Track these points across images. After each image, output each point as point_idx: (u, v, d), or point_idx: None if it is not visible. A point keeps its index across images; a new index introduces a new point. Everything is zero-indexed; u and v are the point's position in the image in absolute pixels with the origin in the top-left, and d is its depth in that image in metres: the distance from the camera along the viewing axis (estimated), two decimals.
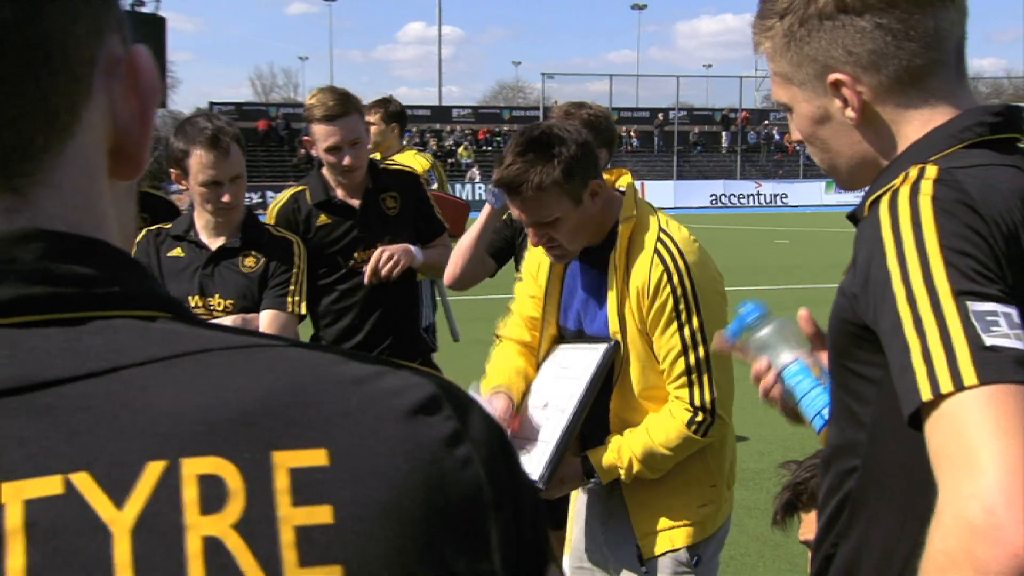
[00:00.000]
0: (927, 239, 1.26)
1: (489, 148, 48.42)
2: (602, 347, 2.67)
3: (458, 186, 36.43)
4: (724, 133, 53.22)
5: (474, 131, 51.40)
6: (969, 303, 1.21)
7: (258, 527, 0.55)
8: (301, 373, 0.62)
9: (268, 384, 0.60)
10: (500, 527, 0.63)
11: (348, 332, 3.89)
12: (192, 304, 3.33)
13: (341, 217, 3.86)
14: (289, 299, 3.40)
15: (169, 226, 3.53)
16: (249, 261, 3.43)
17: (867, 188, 1.52)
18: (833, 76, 1.47)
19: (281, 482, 0.57)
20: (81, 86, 0.63)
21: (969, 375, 1.15)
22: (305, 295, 3.49)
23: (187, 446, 0.56)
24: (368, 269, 3.75)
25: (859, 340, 1.39)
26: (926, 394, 1.17)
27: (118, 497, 0.54)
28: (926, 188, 1.30)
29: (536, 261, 2.95)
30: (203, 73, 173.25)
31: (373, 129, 5.95)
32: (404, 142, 6.39)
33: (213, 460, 0.56)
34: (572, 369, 2.75)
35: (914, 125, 1.47)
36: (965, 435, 1.14)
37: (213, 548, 0.54)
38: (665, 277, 2.57)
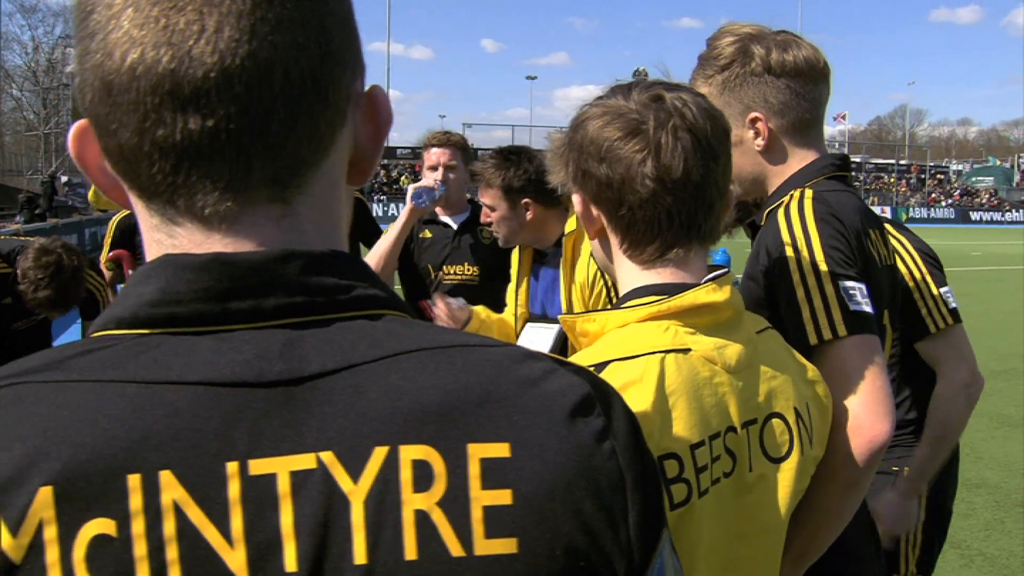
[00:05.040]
0: (812, 238, 1.66)
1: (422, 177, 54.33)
2: (557, 326, 3.06)
3: (401, 205, 39.36)
4: None
5: (412, 165, 58.01)
6: (841, 282, 1.60)
7: (456, 505, 0.62)
8: (490, 373, 0.67)
9: (465, 382, 0.65)
10: (635, 504, 0.68)
11: None
12: None
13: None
14: None
15: None
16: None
17: (761, 200, 1.92)
18: (752, 114, 1.84)
19: (474, 469, 0.63)
20: (339, 117, 0.69)
21: (841, 329, 1.57)
22: None
23: (404, 435, 0.62)
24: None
25: (760, 307, 1.69)
26: (813, 339, 1.59)
27: (354, 473, 0.61)
28: (807, 205, 1.71)
29: (515, 264, 3.39)
30: None
31: None
32: None
33: (423, 448, 0.62)
34: (536, 342, 3.05)
35: (797, 159, 1.86)
36: (841, 368, 1.56)
37: (423, 519, 0.61)
38: (599, 273, 2.90)
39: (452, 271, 3.96)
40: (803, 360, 1.50)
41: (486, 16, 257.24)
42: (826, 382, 1.52)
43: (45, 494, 0.57)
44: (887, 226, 2.81)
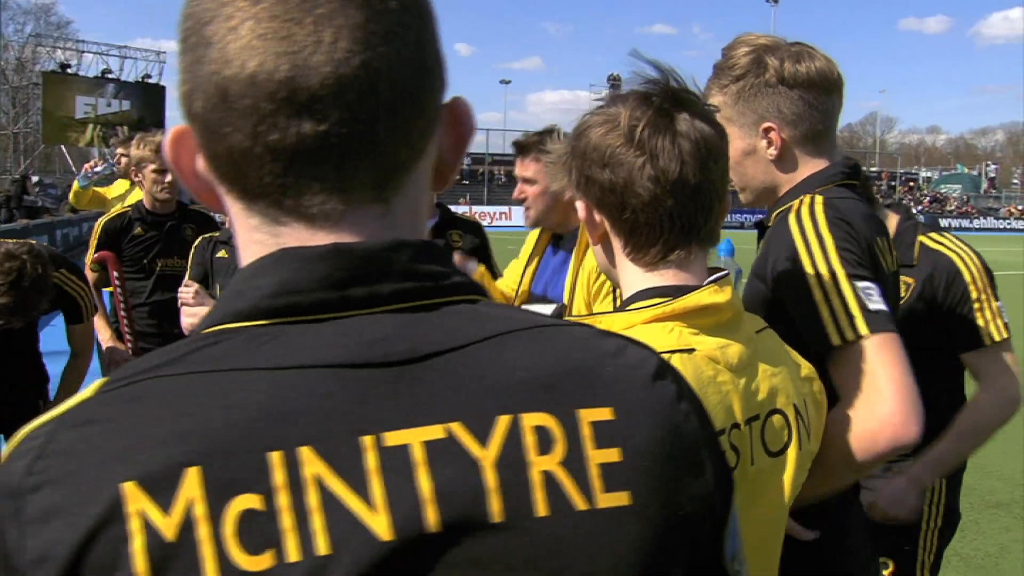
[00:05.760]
0: (825, 240, 1.70)
1: None
2: (553, 306, 3.04)
3: None
4: None
5: None
6: (856, 282, 1.63)
7: (575, 464, 0.67)
8: (581, 348, 0.74)
9: (564, 357, 0.72)
10: (710, 459, 0.75)
11: None
12: None
13: None
14: None
15: (218, 234, 4.10)
16: None
17: (770, 206, 1.95)
18: (765, 124, 1.87)
19: (586, 431, 0.68)
20: (431, 126, 0.74)
21: (863, 328, 1.58)
22: None
23: (523, 404, 0.68)
24: None
25: (763, 306, 1.76)
26: (836, 341, 1.60)
27: (482, 440, 0.66)
28: (818, 210, 1.75)
29: (529, 244, 3.45)
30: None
31: (123, 160, 6.23)
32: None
33: (541, 415, 0.68)
34: None
35: (808, 167, 1.89)
36: (867, 368, 1.56)
37: (549, 479, 0.66)
38: None
39: None
40: (799, 358, 1.53)
41: (460, 20, 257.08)
42: (851, 381, 1.56)
43: (192, 475, 0.61)
44: (947, 235, 2.85)
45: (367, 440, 0.64)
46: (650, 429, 0.72)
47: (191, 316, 3.84)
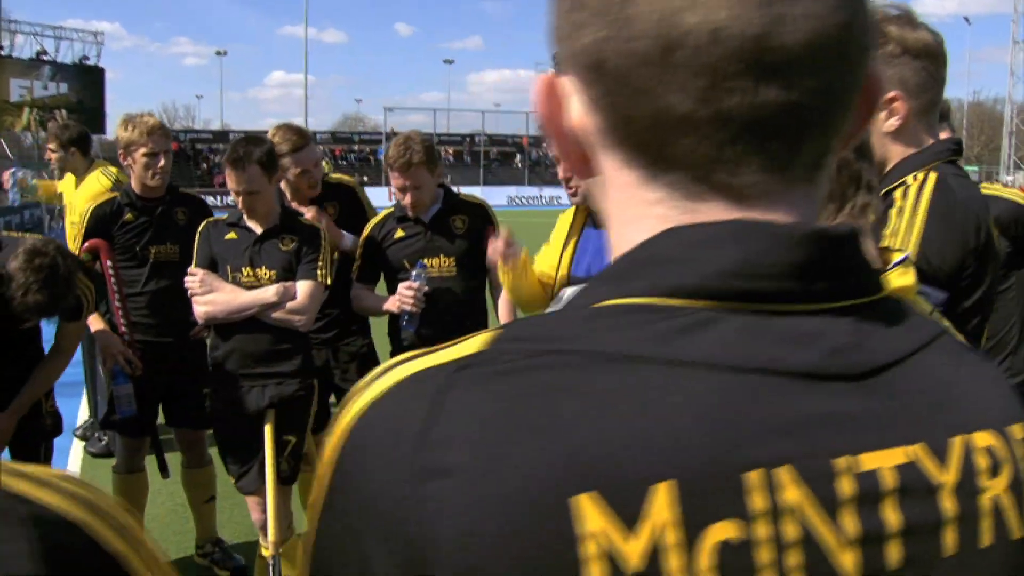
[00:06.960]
0: (914, 228, 1.74)
1: (344, 162, 55.11)
2: None
3: None
4: (517, 154, 63.31)
5: (332, 150, 57.15)
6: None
7: (1017, 486, 0.61)
8: (968, 356, 0.66)
9: (975, 367, 0.65)
10: None
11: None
12: (245, 274, 3.68)
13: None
14: (319, 271, 3.73)
15: (225, 216, 3.87)
16: (287, 243, 3.73)
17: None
18: (891, 94, 1.85)
19: (1020, 451, 0.62)
20: (858, 94, 0.61)
21: None
22: (332, 270, 3.79)
23: (971, 422, 0.61)
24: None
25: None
26: None
27: (942, 465, 0.58)
28: (927, 191, 1.79)
29: (563, 225, 3.28)
30: (124, 109, 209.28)
31: (54, 156, 6.01)
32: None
33: (987, 434, 0.61)
34: None
35: (920, 140, 1.89)
36: None
37: (997, 506, 0.60)
38: None
39: (429, 264, 3.88)
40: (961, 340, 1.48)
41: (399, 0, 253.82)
42: None
43: (662, 493, 0.52)
44: (985, 184, 3.02)
45: (841, 463, 0.56)
46: None
47: (205, 304, 3.66)
